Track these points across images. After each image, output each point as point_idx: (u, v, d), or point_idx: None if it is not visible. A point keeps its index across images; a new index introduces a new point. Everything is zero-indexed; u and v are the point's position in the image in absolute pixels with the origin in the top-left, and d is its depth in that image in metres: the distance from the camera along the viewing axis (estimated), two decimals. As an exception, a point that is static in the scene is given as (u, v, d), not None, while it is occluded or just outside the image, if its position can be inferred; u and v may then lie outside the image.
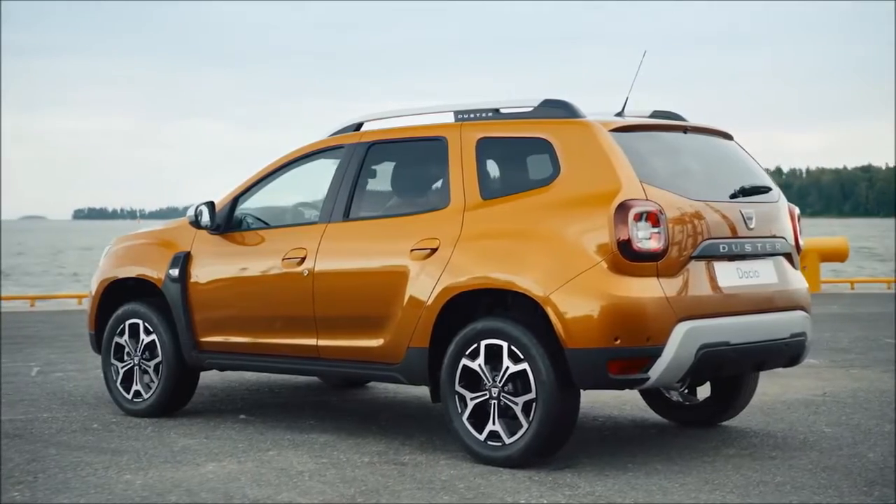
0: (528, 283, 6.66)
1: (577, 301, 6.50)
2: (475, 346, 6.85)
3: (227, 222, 8.29)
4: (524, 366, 6.66)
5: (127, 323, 8.71)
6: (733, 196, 7.07)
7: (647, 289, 6.49)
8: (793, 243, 7.47)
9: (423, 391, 8.50)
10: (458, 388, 6.93)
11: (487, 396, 6.82)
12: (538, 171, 7.03)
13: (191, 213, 8.29)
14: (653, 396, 8.20)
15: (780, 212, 7.42)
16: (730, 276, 6.89)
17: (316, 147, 8.11)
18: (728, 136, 7.64)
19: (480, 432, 6.84)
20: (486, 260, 6.89)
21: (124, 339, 8.74)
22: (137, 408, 8.64)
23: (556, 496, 6.16)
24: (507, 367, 6.73)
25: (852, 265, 39.73)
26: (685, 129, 7.32)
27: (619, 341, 6.43)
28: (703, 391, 8.15)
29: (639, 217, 6.49)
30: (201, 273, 8.35)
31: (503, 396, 6.75)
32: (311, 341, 7.72)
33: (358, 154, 7.78)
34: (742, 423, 8.14)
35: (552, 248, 6.66)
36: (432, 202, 7.38)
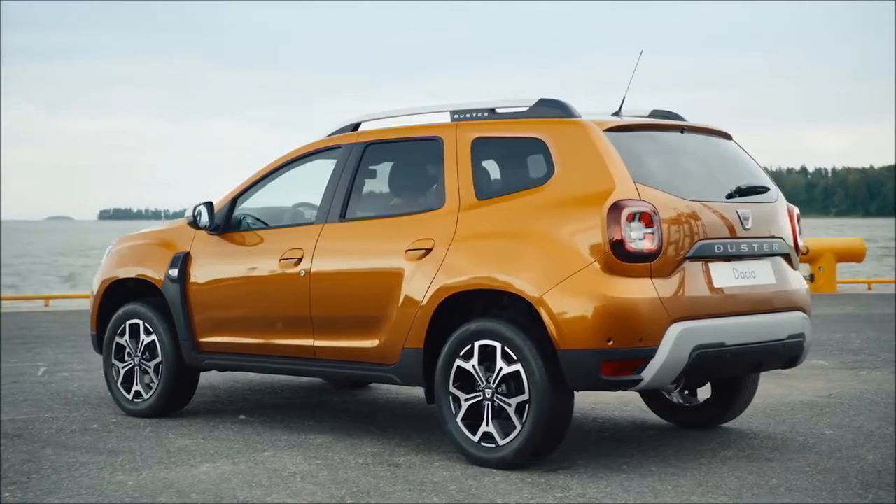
0: (522, 283, 6.62)
1: (569, 302, 6.46)
2: (469, 346, 6.82)
3: (226, 223, 8.28)
4: (517, 367, 6.62)
5: (127, 323, 8.71)
6: (730, 196, 7.01)
7: (640, 289, 6.45)
8: (792, 244, 7.41)
9: (423, 392, 8.46)
10: (452, 389, 6.90)
11: (481, 398, 6.78)
12: (533, 171, 6.99)
13: (189, 213, 8.28)
14: (653, 398, 8.15)
15: (778, 212, 7.36)
16: (726, 276, 6.83)
17: (314, 147, 8.09)
18: (727, 136, 7.58)
19: (474, 433, 6.81)
20: (480, 260, 6.86)
21: (125, 340, 8.74)
22: (138, 408, 8.64)
23: (546, 498, 6.13)
24: (501, 369, 6.70)
25: (871, 266, 39.51)
26: (682, 129, 7.27)
27: (611, 342, 6.39)
28: (704, 393, 8.08)
29: (632, 217, 6.45)
30: (200, 273, 8.34)
31: (497, 397, 6.72)
32: (308, 342, 7.70)
33: (355, 154, 7.75)
34: (743, 425, 8.08)
35: (546, 249, 6.62)
36: (428, 202, 7.35)
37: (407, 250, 7.16)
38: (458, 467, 6.82)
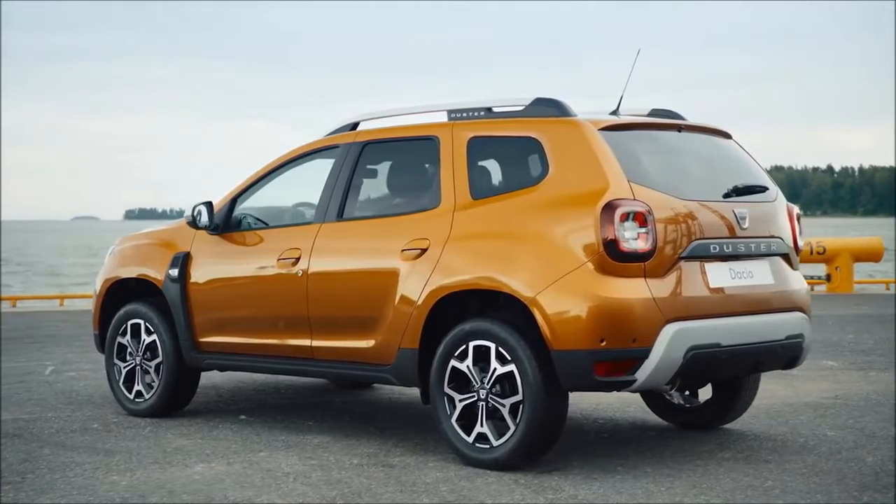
0: (516, 283, 6.59)
1: (562, 302, 6.42)
2: (464, 347, 6.79)
3: (226, 222, 8.28)
4: (511, 367, 6.59)
5: (129, 323, 8.72)
6: (727, 195, 6.96)
7: (633, 290, 6.40)
8: (791, 244, 7.34)
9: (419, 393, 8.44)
10: (447, 389, 6.87)
11: (476, 398, 6.75)
12: (528, 170, 6.95)
13: (189, 213, 8.28)
14: (654, 399, 8.10)
15: (777, 211, 7.30)
16: (722, 276, 6.78)
17: (313, 147, 8.08)
18: (726, 135, 7.52)
19: (469, 434, 6.78)
20: (475, 261, 6.83)
21: (126, 339, 8.74)
22: (139, 408, 8.64)
23: (537, 499, 6.09)
24: (495, 369, 6.66)
25: (893, 266, 39.27)
26: (679, 128, 7.22)
27: (604, 343, 6.35)
28: (705, 393, 8.03)
29: (625, 217, 6.40)
30: (200, 273, 8.34)
31: (491, 398, 6.68)
32: (306, 342, 7.69)
33: (352, 154, 7.74)
34: (744, 426, 8.02)
35: (539, 249, 6.59)
36: (424, 202, 7.32)
37: (403, 250, 7.14)
38: (452, 468, 6.79)
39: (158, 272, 8.54)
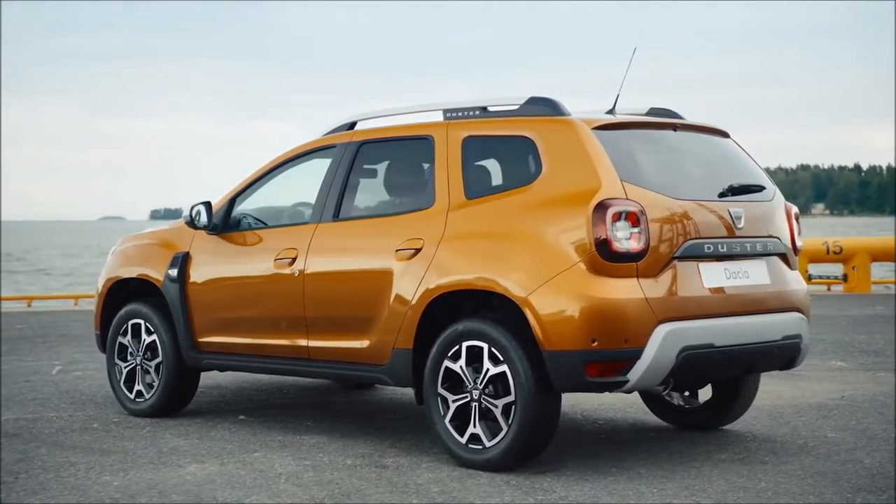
0: (508, 283, 6.56)
1: (554, 302, 6.39)
2: (457, 347, 6.76)
3: (225, 222, 8.27)
4: (504, 368, 6.55)
5: (130, 323, 8.73)
6: (722, 195, 6.90)
7: (625, 290, 6.36)
8: (788, 243, 7.28)
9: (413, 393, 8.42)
10: (440, 390, 6.84)
11: (469, 399, 6.72)
12: (522, 169, 6.91)
13: (187, 213, 8.28)
14: (654, 400, 8.05)
15: (774, 211, 7.24)
16: (716, 276, 6.73)
17: (310, 146, 8.06)
18: (724, 134, 7.47)
19: (462, 435, 6.75)
20: (468, 260, 6.80)
21: (127, 339, 8.75)
22: (139, 408, 8.65)
23: (527, 500, 6.06)
24: (488, 370, 6.63)
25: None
26: (675, 127, 7.17)
27: (596, 343, 6.30)
28: (706, 394, 7.97)
29: (617, 216, 6.36)
30: (199, 273, 8.33)
31: (484, 399, 6.65)
32: (302, 342, 7.67)
33: (349, 153, 7.72)
34: (744, 427, 7.97)
35: (532, 249, 6.55)
36: (418, 202, 7.29)
37: (397, 250, 7.12)
38: (444, 469, 6.76)
39: (158, 272, 8.54)
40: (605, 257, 6.35)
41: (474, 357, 6.70)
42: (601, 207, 6.37)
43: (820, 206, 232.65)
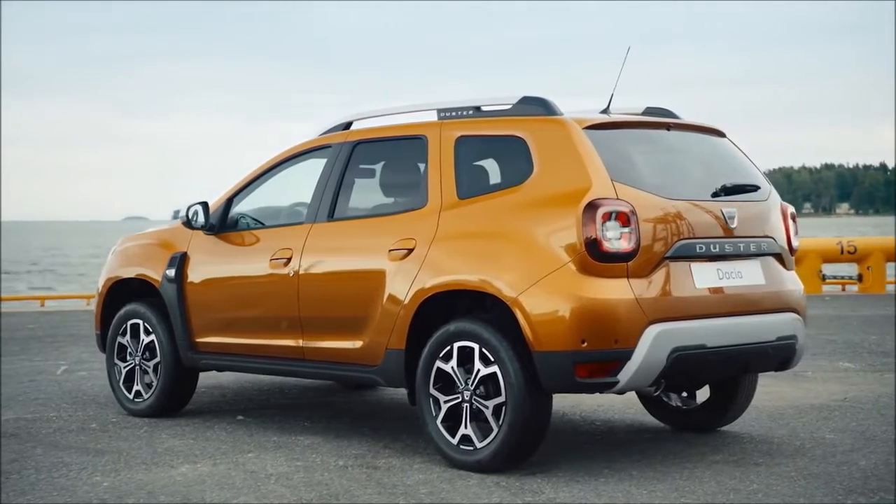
0: (498, 283, 6.53)
1: (544, 302, 6.35)
2: (448, 348, 6.73)
3: (222, 222, 8.27)
4: (494, 368, 6.53)
5: (129, 323, 8.73)
6: (715, 195, 6.85)
7: (615, 290, 6.32)
8: (784, 244, 7.22)
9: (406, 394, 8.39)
10: (432, 390, 6.81)
11: (460, 400, 6.69)
12: (513, 169, 6.88)
13: (183, 213, 8.27)
14: (652, 401, 8.00)
15: (769, 211, 7.18)
16: (708, 277, 6.68)
17: (306, 146, 8.06)
18: (720, 134, 7.42)
19: (453, 436, 6.72)
20: (459, 260, 6.77)
21: (126, 340, 8.76)
22: (138, 408, 8.65)
23: (515, 501, 6.03)
24: (479, 370, 6.60)
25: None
26: (668, 127, 7.12)
27: (585, 344, 6.27)
28: (704, 395, 7.92)
29: (607, 216, 6.32)
30: (196, 274, 8.34)
31: (475, 399, 6.62)
32: (297, 342, 7.66)
33: (344, 153, 7.71)
34: (742, 429, 7.92)
35: (522, 249, 6.52)
36: (411, 202, 7.27)
37: (390, 250, 7.10)
38: (435, 470, 6.74)
39: (156, 272, 8.55)
40: (595, 257, 6.32)
41: (466, 358, 6.67)
42: (591, 207, 6.33)
43: (845, 206, 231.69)
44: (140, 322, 8.65)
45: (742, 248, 6.87)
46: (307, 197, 8.09)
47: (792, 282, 7.24)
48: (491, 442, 6.55)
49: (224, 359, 8.24)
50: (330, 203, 7.62)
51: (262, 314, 7.93)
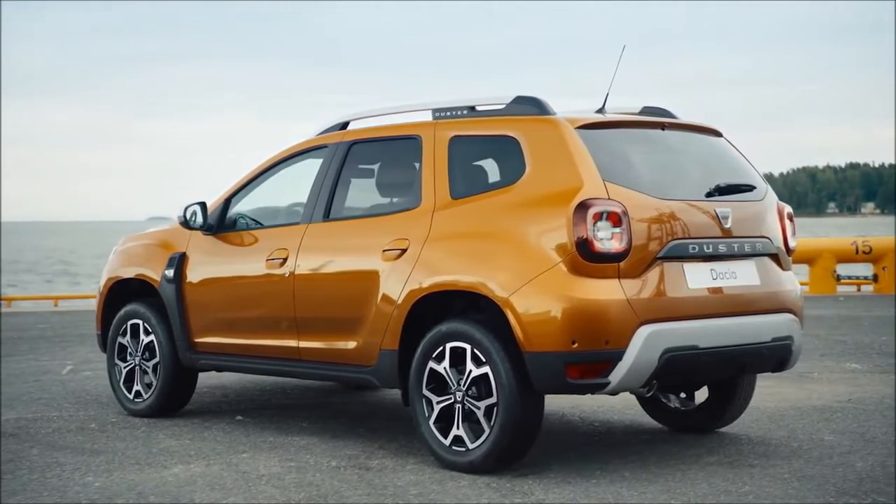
0: (490, 284, 6.50)
1: (534, 303, 6.32)
2: (441, 348, 6.71)
3: (220, 223, 8.26)
4: (486, 369, 6.50)
5: (129, 323, 8.74)
6: (709, 195, 6.80)
7: (606, 290, 6.28)
8: (780, 244, 7.17)
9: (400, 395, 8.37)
10: (425, 391, 6.79)
11: (452, 400, 6.67)
12: (506, 169, 6.87)
13: (181, 214, 8.27)
14: (650, 402, 7.96)
15: (765, 211, 7.13)
16: (701, 277, 6.63)
17: (303, 147, 8.05)
18: (716, 133, 7.37)
19: (446, 437, 6.69)
20: (451, 261, 6.75)
21: (126, 340, 8.76)
22: (138, 408, 8.66)
23: (504, 503, 6.00)
24: (470, 371, 6.58)
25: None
26: (663, 126, 7.08)
27: (576, 345, 6.23)
28: (703, 396, 7.87)
29: (598, 217, 6.29)
30: (195, 274, 8.34)
31: (467, 400, 6.60)
32: (293, 343, 7.65)
33: (339, 153, 7.70)
34: (741, 430, 7.87)
35: (514, 249, 6.49)
36: (406, 202, 7.26)
37: (384, 250, 7.08)
38: (427, 471, 6.71)
39: (156, 272, 8.55)
40: (586, 258, 6.28)
41: (458, 358, 6.64)
42: (582, 207, 6.30)
43: (870, 206, 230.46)
44: (140, 322, 8.66)
45: (736, 249, 6.82)
46: (305, 197, 8.09)
47: (788, 282, 7.18)
48: (483, 443, 6.53)
49: (222, 359, 8.23)
50: (325, 203, 7.61)
51: (259, 314, 7.92)
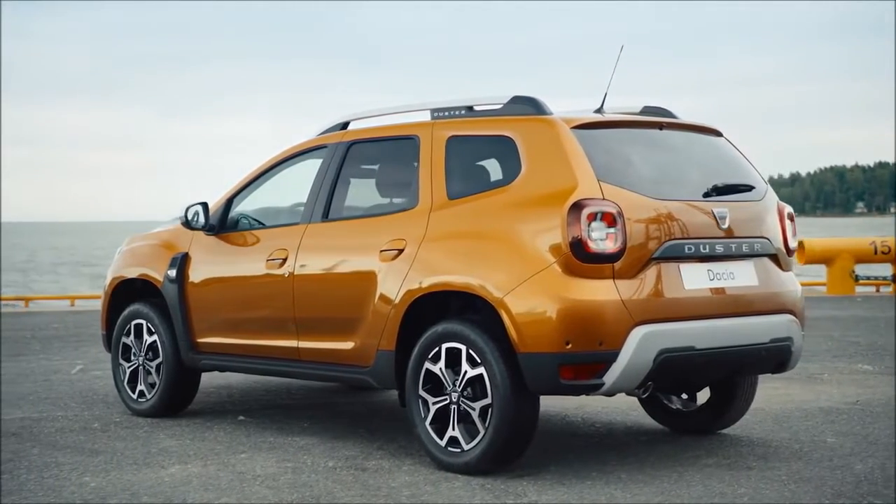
0: (485, 284, 6.47)
1: (528, 304, 6.30)
2: (437, 349, 6.69)
3: (222, 223, 8.27)
4: (481, 370, 6.48)
5: (132, 323, 8.76)
6: (706, 195, 6.76)
7: (600, 291, 6.25)
8: (780, 244, 7.12)
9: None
10: (421, 392, 6.77)
11: (448, 401, 6.65)
12: (503, 169, 6.84)
13: (182, 214, 8.28)
14: (652, 403, 7.92)
15: (764, 211, 7.07)
16: (698, 278, 6.59)
17: (304, 147, 8.04)
18: (716, 133, 7.32)
19: (442, 438, 6.67)
20: (446, 262, 6.73)
21: (130, 340, 8.78)
22: (141, 407, 8.68)
23: (496, 504, 5.98)
24: (466, 372, 6.56)
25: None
26: (661, 126, 7.04)
27: (570, 345, 6.20)
28: (705, 397, 7.83)
29: (593, 217, 6.25)
30: (197, 274, 8.34)
31: (462, 401, 6.58)
32: (293, 343, 7.65)
33: (339, 154, 7.69)
34: (743, 431, 7.82)
35: (508, 250, 6.47)
36: (403, 202, 7.24)
37: (381, 251, 7.07)
38: (423, 472, 6.69)
39: (159, 272, 8.57)
40: (580, 258, 6.25)
41: (453, 359, 6.62)
42: (576, 208, 6.27)
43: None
44: (143, 322, 8.67)
45: (734, 249, 6.77)
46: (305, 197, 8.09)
47: (788, 283, 7.12)
48: (478, 444, 6.50)
49: (224, 359, 8.24)
50: (325, 203, 7.61)
51: (260, 314, 7.92)
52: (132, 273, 8.84)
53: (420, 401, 6.78)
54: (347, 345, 7.25)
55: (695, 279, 6.57)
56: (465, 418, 6.59)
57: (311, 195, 7.72)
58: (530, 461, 6.85)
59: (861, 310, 17.77)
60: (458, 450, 6.60)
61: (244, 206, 8.37)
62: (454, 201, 6.87)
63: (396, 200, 7.42)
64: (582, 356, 6.22)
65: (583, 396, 8.08)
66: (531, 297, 6.30)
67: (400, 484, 6.44)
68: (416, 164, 7.17)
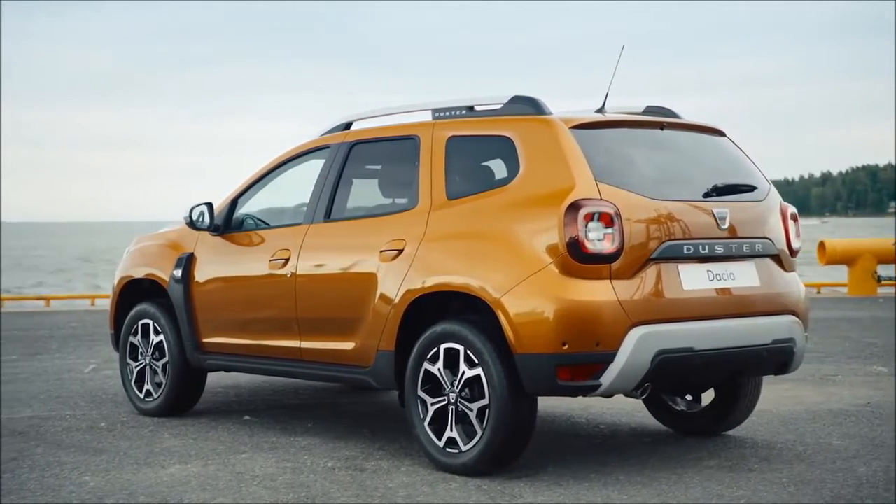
0: (482, 285, 6.45)
1: (525, 304, 6.27)
2: (435, 350, 6.67)
3: (227, 223, 8.28)
4: (479, 371, 6.46)
5: (140, 323, 8.78)
6: (707, 195, 6.71)
7: (597, 292, 6.21)
8: (783, 245, 7.06)
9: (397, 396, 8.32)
10: (420, 392, 6.76)
11: (446, 402, 6.63)
12: (501, 169, 6.82)
13: (187, 214, 8.29)
14: (656, 404, 7.88)
15: (766, 212, 7.02)
16: (697, 278, 6.55)
17: (307, 147, 8.05)
18: (719, 133, 7.28)
19: (440, 438, 6.66)
20: (445, 262, 6.71)
21: (137, 339, 8.81)
22: (148, 407, 8.70)
23: (491, 506, 5.96)
24: (463, 372, 6.54)
25: None
26: (661, 126, 7.00)
27: (567, 346, 6.17)
28: (709, 398, 7.78)
29: (590, 217, 6.22)
30: (202, 274, 8.36)
31: (460, 402, 6.56)
32: (295, 343, 7.65)
33: (341, 154, 7.69)
34: (748, 433, 7.77)
35: (506, 250, 6.44)
36: (404, 202, 7.24)
37: (381, 251, 7.06)
38: (421, 473, 6.68)
39: (165, 273, 8.59)
40: (577, 259, 6.22)
41: (451, 360, 6.61)
42: (573, 208, 6.24)
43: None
44: (150, 322, 8.70)
45: (735, 250, 6.73)
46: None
47: (791, 283, 7.07)
48: (476, 445, 6.48)
49: (229, 359, 8.25)
50: (327, 203, 7.61)
51: (263, 315, 7.93)
52: (139, 273, 8.87)
53: (419, 401, 6.77)
54: (348, 345, 7.24)
55: (694, 280, 6.53)
56: (463, 419, 6.57)
57: (313, 195, 7.73)
58: (530, 462, 6.82)
59: (880, 311, 17.66)
60: (456, 451, 6.58)
61: (249, 207, 8.38)
62: (454, 201, 6.85)
63: (397, 200, 7.41)
64: (579, 357, 6.19)
65: (588, 397, 8.04)
66: (528, 297, 6.27)
67: (397, 485, 6.42)
68: (416, 164, 7.15)
